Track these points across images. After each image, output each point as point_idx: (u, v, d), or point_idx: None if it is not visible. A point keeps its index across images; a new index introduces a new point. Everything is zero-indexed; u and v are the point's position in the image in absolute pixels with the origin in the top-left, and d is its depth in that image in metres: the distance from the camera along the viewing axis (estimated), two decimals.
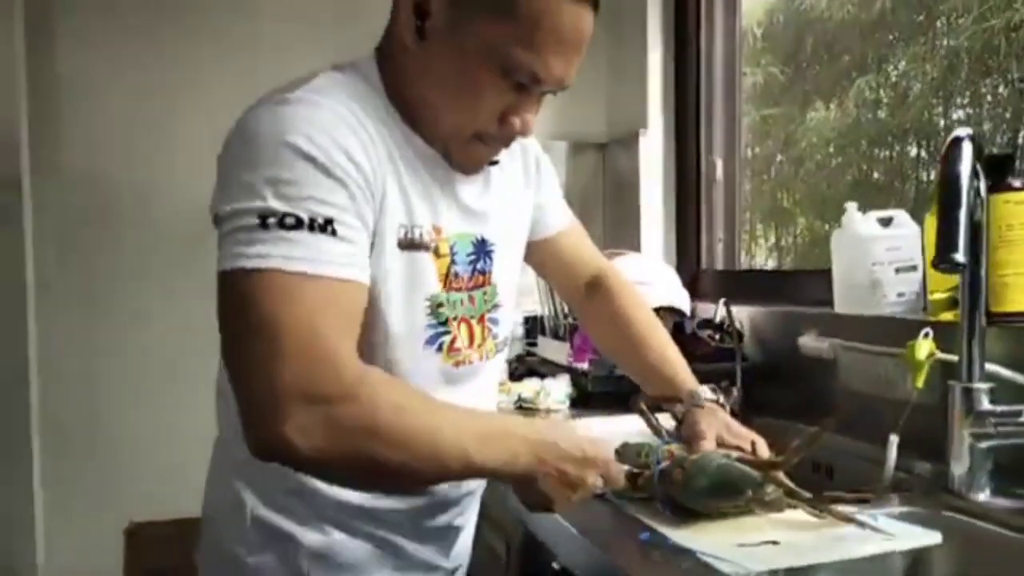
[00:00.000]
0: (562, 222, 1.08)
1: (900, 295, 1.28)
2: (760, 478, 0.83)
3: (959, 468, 0.95)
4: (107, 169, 1.90)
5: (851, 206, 1.31)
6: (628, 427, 1.35)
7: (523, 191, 0.98)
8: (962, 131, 0.85)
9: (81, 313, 1.88)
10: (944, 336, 1.03)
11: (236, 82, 1.89)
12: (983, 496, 0.93)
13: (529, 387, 1.50)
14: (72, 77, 1.86)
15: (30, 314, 1.79)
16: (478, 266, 0.86)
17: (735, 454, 0.90)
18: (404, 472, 0.69)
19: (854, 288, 1.30)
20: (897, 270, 1.28)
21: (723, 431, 0.97)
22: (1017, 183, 1.05)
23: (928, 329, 1.06)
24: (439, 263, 0.82)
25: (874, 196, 1.76)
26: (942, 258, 0.79)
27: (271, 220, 0.67)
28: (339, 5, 1.99)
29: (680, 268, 2.00)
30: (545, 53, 0.73)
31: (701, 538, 0.81)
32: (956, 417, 0.95)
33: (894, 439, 1.05)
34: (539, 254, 1.06)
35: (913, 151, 1.74)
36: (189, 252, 1.75)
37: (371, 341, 0.76)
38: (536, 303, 1.81)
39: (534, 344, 1.85)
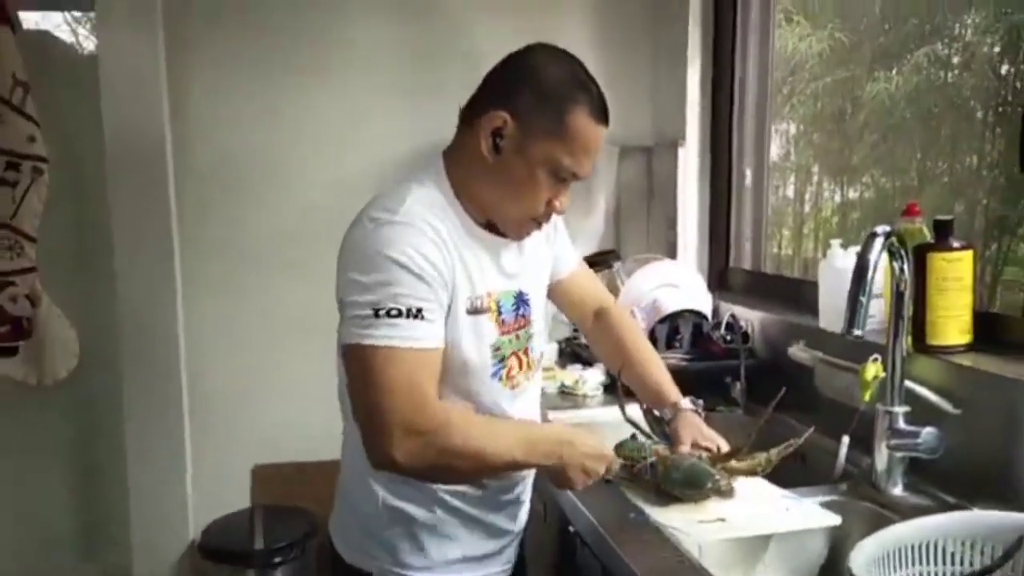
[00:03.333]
0: (573, 265, 1.40)
1: (871, 316, 1.56)
2: (717, 474, 1.16)
3: (879, 469, 1.26)
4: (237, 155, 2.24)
5: (835, 243, 1.59)
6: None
7: (545, 246, 1.29)
8: (880, 228, 1.14)
9: (220, 282, 2.24)
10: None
11: (344, 78, 2.23)
12: (896, 491, 1.25)
13: (570, 376, 1.86)
14: (205, 80, 2.19)
15: (178, 291, 2.18)
16: (520, 312, 1.18)
17: (704, 455, 1.22)
18: (473, 474, 1.09)
19: (834, 310, 1.58)
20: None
21: (697, 435, 1.29)
22: (956, 244, 1.32)
23: (877, 355, 1.35)
24: (493, 316, 1.13)
25: (937, 158, 1.91)
26: (846, 331, 1.09)
27: (381, 311, 1.00)
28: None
29: (711, 265, 2.30)
30: (581, 159, 1.08)
31: (672, 516, 1.15)
32: (878, 431, 1.26)
33: (845, 440, 1.37)
34: (557, 291, 1.38)
35: (979, 114, 1.84)
36: (315, 226, 2.04)
37: (456, 379, 1.10)
38: None
39: (578, 330, 2.18)
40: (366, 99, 2.28)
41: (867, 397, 1.35)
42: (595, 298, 1.45)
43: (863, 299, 1.10)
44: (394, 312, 1.00)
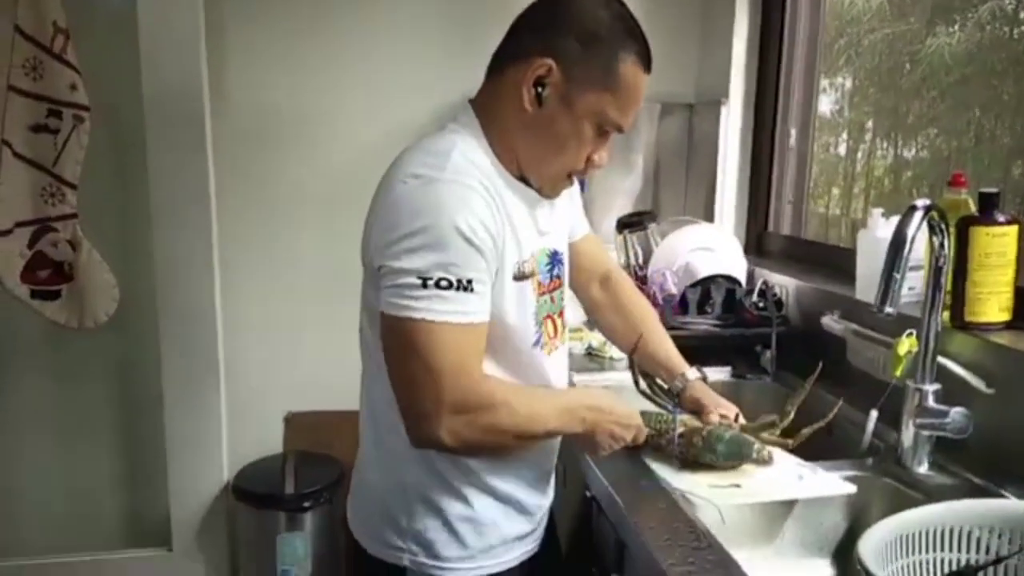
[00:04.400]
0: (586, 228, 1.37)
1: (910, 289, 1.50)
2: (757, 443, 1.16)
3: (906, 446, 1.23)
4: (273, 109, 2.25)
5: (876, 211, 1.52)
6: None
7: (568, 206, 1.24)
8: (919, 202, 1.09)
9: (255, 233, 2.27)
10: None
11: (377, 32, 2.22)
12: (921, 469, 1.21)
13: (597, 337, 1.84)
14: (241, 34, 2.19)
15: (214, 241, 2.21)
16: (554, 272, 1.12)
17: (736, 425, 1.21)
18: (514, 446, 1.06)
19: (871, 281, 1.52)
20: (910, 268, 1.50)
21: (714, 403, 1.27)
22: (1001, 218, 1.26)
23: (912, 330, 1.31)
24: (534, 281, 1.06)
25: (998, 119, 1.82)
26: (878, 308, 1.05)
27: (430, 281, 0.92)
28: None
29: (748, 229, 2.24)
30: (628, 111, 1.02)
31: (685, 480, 1.14)
32: (907, 408, 1.22)
33: (873, 414, 1.34)
34: (568, 254, 1.33)
35: None
36: (348, 181, 2.08)
37: (498, 349, 1.04)
38: (614, 253, 2.11)
39: None
40: (401, 53, 2.25)
41: (898, 372, 1.31)
42: (603, 263, 1.41)
43: (897, 275, 1.05)
44: (444, 283, 0.92)
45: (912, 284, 1.51)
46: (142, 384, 2.28)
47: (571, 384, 1.53)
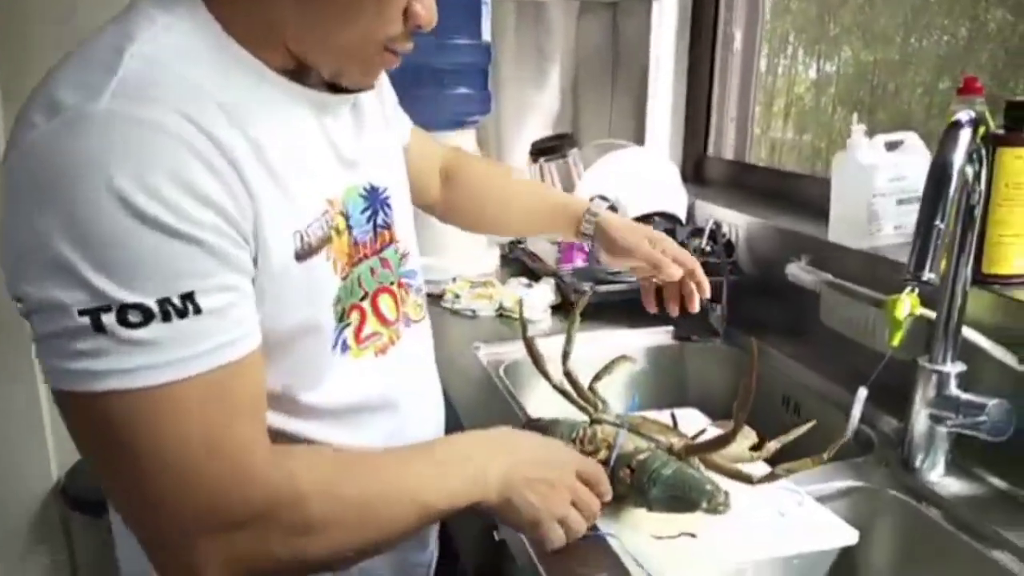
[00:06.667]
0: (408, 126, 0.97)
1: (898, 228, 1.20)
2: (709, 484, 0.78)
3: (915, 442, 0.93)
4: None
5: (858, 128, 1.19)
6: (616, 342, 1.34)
7: (380, 108, 0.82)
8: (963, 114, 0.74)
9: None
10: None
11: None
12: (935, 475, 0.92)
13: (510, 295, 1.48)
14: None
15: None
16: (378, 221, 0.73)
17: (677, 444, 0.83)
18: (359, 549, 0.62)
19: (850, 218, 1.21)
20: (899, 201, 1.19)
21: (644, 242, 0.99)
22: None
23: (913, 285, 0.99)
24: (339, 244, 0.67)
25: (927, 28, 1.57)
26: (912, 274, 0.71)
27: (106, 319, 0.50)
28: None
29: (686, 152, 1.89)
30: None
31: (623, 527, 0.79)
32: (918, 395, 0.92)
33: (862, 393, 1.02)
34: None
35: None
36: None
37: (295, 372, 0.65)
38: None
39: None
40: None
41: (895, 341, 1.00)
42: (436, 158, 1.06)
43: (940, 225, 0.71)
44: (135, 318, 0.51)
45: (898, 223, 1.20)
46: None
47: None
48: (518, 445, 0.72)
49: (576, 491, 0.71)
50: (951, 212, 0.78)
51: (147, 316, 0.51)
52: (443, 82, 1.56)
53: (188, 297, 0.53)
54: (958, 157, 0.72)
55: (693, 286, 1.02)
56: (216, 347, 0.54)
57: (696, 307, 1.04)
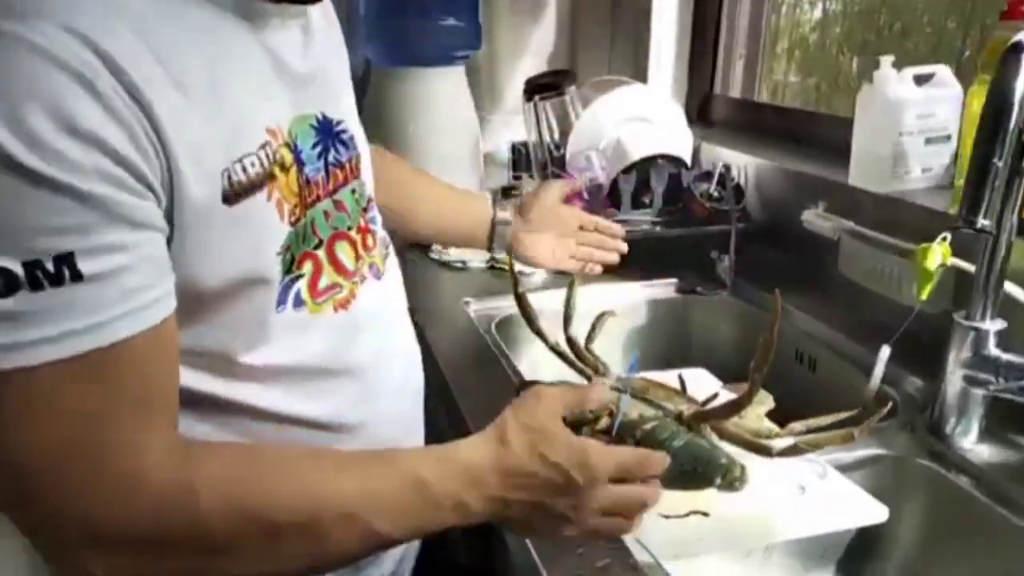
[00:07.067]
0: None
1: (926, 170, 1.10)
2: (724, 458, 0.68)
3: (948, 406, 0.84)
4: None
5: (886, 60, 1.07)
6: (615, 297, 1.25)
7: (334, 36, 0.72)
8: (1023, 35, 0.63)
9: None
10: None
11: None
12: (968, 442, 0.84)
13: None
14: None
15: None
16: (329, 158, 0.62)
17: (686, 411, 0.75)
18: (292, 572, 0.53)
19: (874, 158, 1.11)
20: (927, 140, 1.08)
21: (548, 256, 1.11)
22: None
23: (947, 233, 0.90)
24: (286, 182, 0.56)
25: None
26: (964, 218, 0.62)
27: None
28: None
29: (691, 90, 1.78)
30: None
31: None
32: (952, 355, 0.83)
33: (885, 351, 0.94)
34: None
35: None
36: None
37: (228, 338, 0.56)
38: (522, 128, 1.64)
39: (519, 178, 1.69)
40: None
41: (924, 294, 0.91)
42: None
43: (998, 163, 0.61)
44: (10, 283, 0.42)
45: (928, 164, 1.10)
46: None
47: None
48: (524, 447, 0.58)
49: (602, 504, 0.59)
50: (1007, 152, 0.68)
51: (12, 283, 0.42)
52: (429, 12, 1.44)
53: (64, 259, 0.42)
54: (1021, 83, 0.61)
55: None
56: (99, 323, 0.44)
57: (615, 258, 1.15)
